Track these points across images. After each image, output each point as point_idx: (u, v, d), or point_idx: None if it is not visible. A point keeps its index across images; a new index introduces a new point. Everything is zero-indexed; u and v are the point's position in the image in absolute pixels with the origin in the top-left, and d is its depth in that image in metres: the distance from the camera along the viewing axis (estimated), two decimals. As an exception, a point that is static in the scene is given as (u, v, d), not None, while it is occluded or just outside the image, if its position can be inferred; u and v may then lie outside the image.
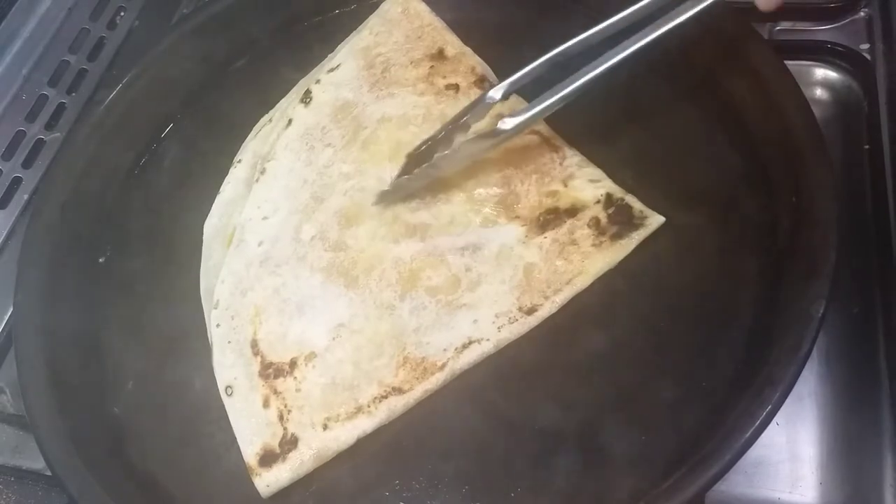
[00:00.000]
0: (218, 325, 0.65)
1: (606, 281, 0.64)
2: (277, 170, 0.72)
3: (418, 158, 0.68)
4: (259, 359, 0.63)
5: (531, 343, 0.63)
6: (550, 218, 0.67)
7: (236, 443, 0.61)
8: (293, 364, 0.63)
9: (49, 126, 0.87)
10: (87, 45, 0.92)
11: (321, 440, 0.60)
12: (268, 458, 0.59)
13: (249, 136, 0.76)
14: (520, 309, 0.63)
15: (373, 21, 0.79)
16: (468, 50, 0.77)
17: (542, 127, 0.71)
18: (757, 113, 0.67)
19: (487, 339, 0.62)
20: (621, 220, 0.66)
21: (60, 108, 0.88)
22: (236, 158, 0.74)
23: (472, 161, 0.68)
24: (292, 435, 0.60)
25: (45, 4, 0.93)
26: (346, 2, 0.85)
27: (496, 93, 0.66)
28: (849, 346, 0.63)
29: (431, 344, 0.62)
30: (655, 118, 0.72)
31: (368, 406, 0.60)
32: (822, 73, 0.78)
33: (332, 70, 0.77)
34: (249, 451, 0.60)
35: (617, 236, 0.65)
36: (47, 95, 0.88)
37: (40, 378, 0.63)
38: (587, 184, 0.68)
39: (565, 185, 0.68)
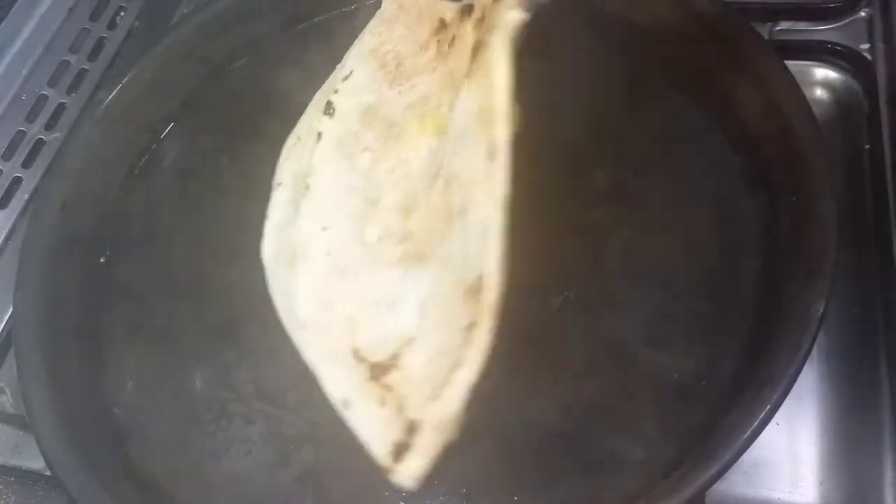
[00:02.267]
0: (312, 344, 0.62)
1: (604, 280, 0.64)
2: (321, 183, 0.70)
3: None
4: (364, 364, 0.60)
5: (529, 343, 0.63)
6: None
7: (236, 443, 0.62)
8: (395, 356, 0.59)
9: (49, 126, 0.87)
10: (88, 45, 0.92)
11: (435, 412, 0.55)
12: (398, 452, 0.56)
13: (282, 157, 0.74)
14: None
15: (372, 23, 0.78)
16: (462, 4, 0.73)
17: None
18: (756, 112, 0.67)
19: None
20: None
21: (60, 108, 0.88)
22: (276, 181, 0.72)
23: None
24: (413, 421, 0.56)
25: (45, 5, 0.93)
26: (346, 2, 0.85)
27: None
28: (849, 346, 0.63)
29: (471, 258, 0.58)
30: (653, 117, 0.72)
31: (461, 357, 0.55)
32: (822, 73, 0.78)
33: (346, 78, 0.75)
34: (382, 454, 0.56)
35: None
36: (47, 95, 0.88)
37: (40, 378, 0.63)
38: None
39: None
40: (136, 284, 0.72)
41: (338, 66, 0.77)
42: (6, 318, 0.74)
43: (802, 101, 0.65)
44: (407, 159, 0.68)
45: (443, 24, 0.73)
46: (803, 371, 0.55)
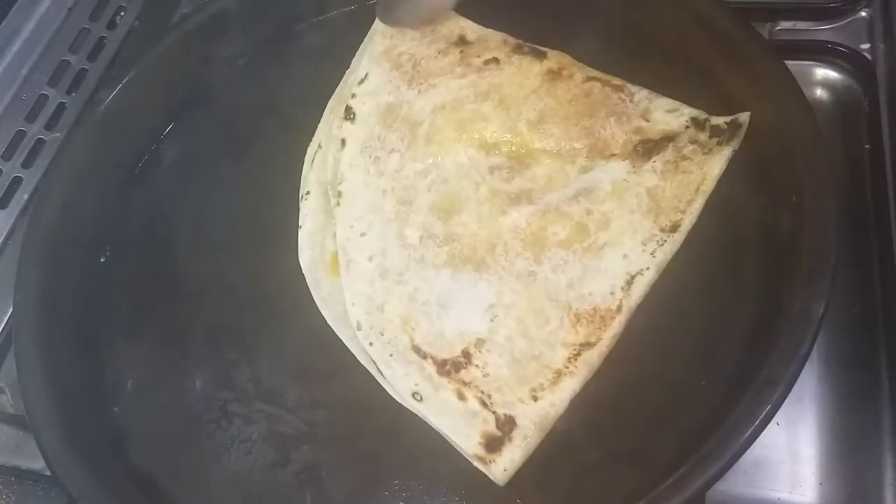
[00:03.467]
0: (371, 344, 0.63)
1: None
2: (353, 189, 0.71)
3: None
4: (429, 360, 0.62)
5: None
6: (649, 146, 0.68)
7: (236, 443, 0.62)
8: (466, 354, 0.62)
9: (49, 126, 0.86)
10: (87, 45, 0.92)
11: (537, 411, 0.59)
12: (493, 444, 0.57)
13: (304, 167, 0.74)
14: (662, 230, 0.64)
15: (381, 26, 0.78)
16: (489, 31, 0.77)
17: (594, 71, 0.73)
18: (757, 113, 0.67)
19: (647, 268, 0.63)
20: (718, 132, 0.67)
21: (60, 107, 0.88)
22: (303, 191, 0.72)
23: None
24: (505, 415, 0.58)
25: (45, 4, 0.93)
26: (346, 2, 0.85)
27: None
28: (849, 346, 0.63)
29: (595, 293, 0.62)
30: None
31: (566, 367, 0.60)
32: (823, 73, 0.78)
33: (361, 81, 0.76)
34: (471, 444, 0.58)
35: (722, 143, 0.67)
36: (47, 95, 0.88)
37: (40, 378, 0.63)
38: (667, 114, 0.70)
39: (647, 120, 0.69)
40: (135, 284, 0.72)
41: (348, 71, 0.77)
42: (6, 318, 0.73)
43: (803, 102, 0.65)
44: (442, 164, 0.70)
45: (464, 40, 0.76)
46: (803, 372, 0.55)
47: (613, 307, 0.62)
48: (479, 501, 0.58)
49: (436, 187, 0.69)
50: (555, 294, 0.63)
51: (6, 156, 0.85)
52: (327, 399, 0.64)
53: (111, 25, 0.94)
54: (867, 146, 0.72)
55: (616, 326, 0.61)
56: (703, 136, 0.68)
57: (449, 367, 0.61)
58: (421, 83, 0.74)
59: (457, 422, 0.59)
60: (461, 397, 0.60)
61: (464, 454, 0.58)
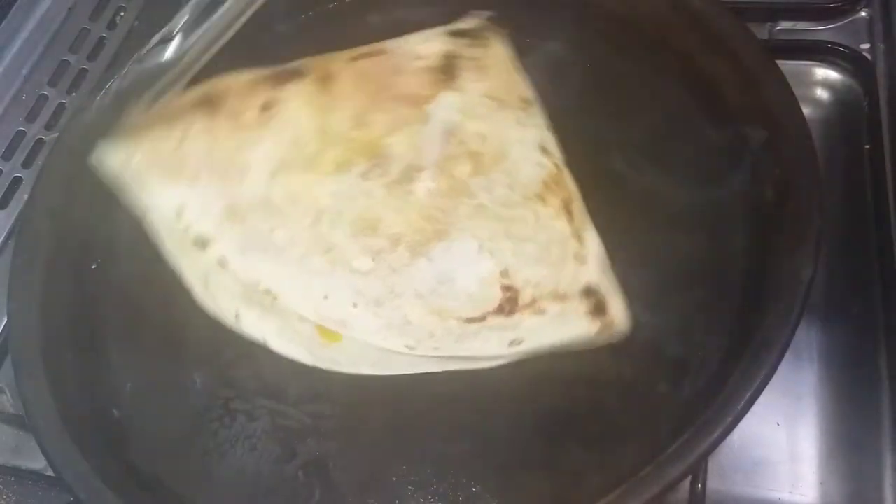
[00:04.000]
0: (411, 348, 0.62)
1: None
2: (277, 282, 0.67)
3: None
4: (490, 318, 0.62)
5: None
6: (446, 71, 0.73)
7: (240, 439, 0.62)
8: (507, 290, 0.62)
9: (49, 126, 0.87)
10: (88, 45, 0.92)
11: (592, 263, 0.63)
12: (599, 309, 0.61)
13: (209, 309, 0.69)
14: (522, 109, 0.72)
15: (107, 158, 0.72)
16: (226, 77, 0.74)
17: (347, 53, 0.75)
18: (735, 89, 0.68)
19: (542, 129, 0.71)
20: (472, 32, 0.75)
21: (60, 107, 0.88)
22: (232, 317, 0.67)
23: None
24: (582, 288, 0.62)
25: (45, 4, 0.93)
26: (326, 0, 0.85)
27: None
28: (849, 346, 0.63)
29: (531, 176, 0.67)
30: (636, 101, 0.73)
31: (574, 224, 0.65)
32: (823, 73, 0.78)
33: (179, 215, 0.69)
34: (590, 326, 0.61)
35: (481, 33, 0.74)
36: (47, 95, 0.88)
37: (39, 384, 0.63)
38: (429, 43, 0.74)
39: (421, 57, 0.73)
40: (130, 288, 0.71)
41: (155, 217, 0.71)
42: (5, 318, 0.73)
43: (779, 75, 0.65)
44: (324, 206, 0.67)
45: (209, 101, 0.72)
46: (803, 371, 0.55)
47: (553, 170, 0.66)
48: (487, 481, 0.58)
49: (339, 223, 0.66)
50: (509, 202, 0.65)
51: (6, 156, 0.85)
52: (329, 391, 0.63)
53: (111, 25, 0.94)
54: (867, 146, 0.72)
55: (569, 179, 0.66)
56: (466, 39, 0.74)
57: (504, 310, 0.61)
58: (226, 169, 0.68)
59: (561, 328, 0.60)
60: (540, 312, 0.61)
61: (592, 342, 0.59)
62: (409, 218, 0.66)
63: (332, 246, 0.65)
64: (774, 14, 0.80)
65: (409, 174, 0.68)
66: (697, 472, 0.57)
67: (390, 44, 0.75)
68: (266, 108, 0.70)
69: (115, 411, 0.66)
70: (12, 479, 0.67)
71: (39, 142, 0.86)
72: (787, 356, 0.62)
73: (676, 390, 0.58)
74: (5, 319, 0.72)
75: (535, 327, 0.61)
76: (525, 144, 0.69)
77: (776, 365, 0.53)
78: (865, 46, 0.77)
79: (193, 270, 0.67)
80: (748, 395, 0.52)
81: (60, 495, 0.65)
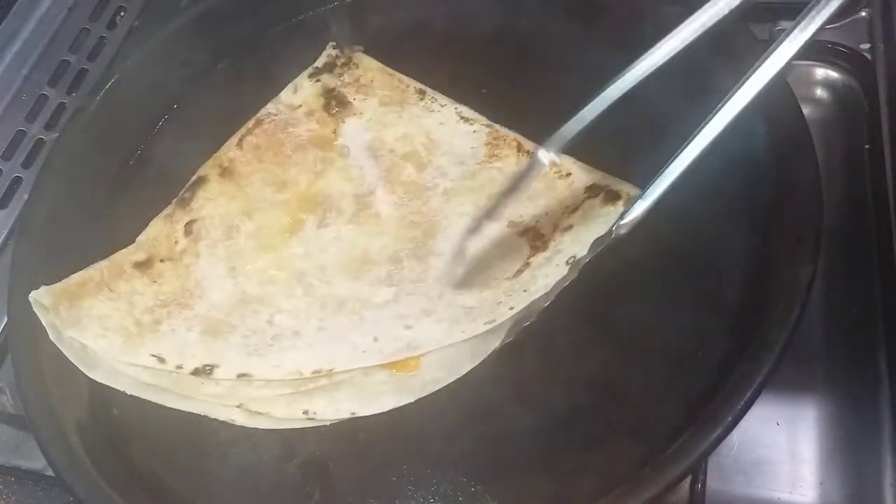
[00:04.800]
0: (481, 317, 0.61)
1: (598, 259, 0.64)
2: (287, 328, 0.68)
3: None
4: (505, 284, 0.63)
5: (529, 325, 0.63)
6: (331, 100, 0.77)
7: (241, 438, 0.62)
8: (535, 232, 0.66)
9: (49, 126, 0.87)
10: (88, 45, 0.92)
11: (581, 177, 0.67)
12: (609, 200, 0.65)
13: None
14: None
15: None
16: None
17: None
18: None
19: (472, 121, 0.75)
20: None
21: (60, 107, 0.88)
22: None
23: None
24: (590, 188, 0.66)
25: (45, 4, 0.93)
26: (325, 1, 0.85)
27: (547, 155, 0.60)
28: (850, 347, 0.63)
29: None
30: (635, 99, 0.72)
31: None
32: (823, 73, 0.78)
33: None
34: (608, 220, 0.62)
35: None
36: (47, 95, 0.88)
37: (39, 384, 0.63)
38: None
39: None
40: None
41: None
42: (5, 320, 0.73)
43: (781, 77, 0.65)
44: (291, 263, 0.68)
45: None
46: (803, 372, 0.55)
47: (487, 129, 0.72)
48: (487, 481, 0.58)
49: (331, 276, 0.67)
50: (469, 174, 0.70)
51: (6, 156, 0.85)
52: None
53: (111, 25, 0.94)
54: (867, 146, 0.72)
55: (505, 130, 0.71)
56: (334, 71, 0.78)
57: (538, 243, 0.64)
58: (180, 298, 0.67)
59: (593, 225, 0.62)
60: (567, 228, 0.64)
61: (627, 223, 0.57)
62: (392, 235, 0.68)
63: (342, 299, 0.65)
64: (774, 14, 0.80)
65: (363, 201, 0.70)
66: (697, 471, 0.57)
67: (264, 112, 0.76)
68: (189, 230, 0.70)
69: (114, 410, 0.65)
70: (12, 479, 0.67)
71: (39, 142, 0.85)
72: (788, 357, 0.62)
73: (676, 390, 0.58)
74: (5, 319, 0.72)
75: (573, 239, 0.62)
76: (446, 124, 0.73)
77: (776, 365, 0.53)
78: (865, 46, 0.77)
79: (218, 401, 0.63)
80: (748, 396, 0.52)
81: (60, 495, 0.65)
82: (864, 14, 0.79)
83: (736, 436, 0.60)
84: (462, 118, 0.74)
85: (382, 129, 0.74)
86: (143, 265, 0.68)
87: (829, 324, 0.64)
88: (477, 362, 0.61)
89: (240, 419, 0.62)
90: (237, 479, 0.61)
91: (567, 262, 0.61)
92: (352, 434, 0.61)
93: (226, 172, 0.72)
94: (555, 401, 0.60)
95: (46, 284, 0.66)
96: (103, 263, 0.68)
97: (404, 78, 0.77)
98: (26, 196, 0.81)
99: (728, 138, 0.67)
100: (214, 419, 0.63)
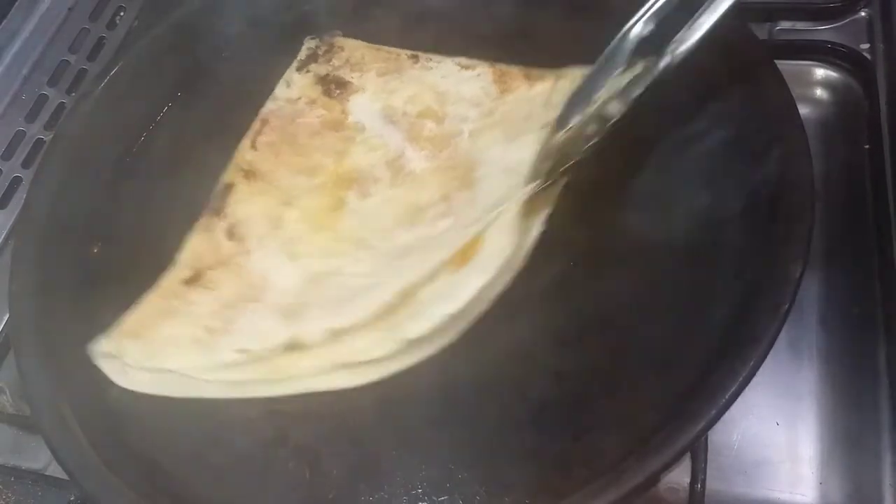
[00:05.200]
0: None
1: (590, 255, 0.65)
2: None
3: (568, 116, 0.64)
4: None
5: (515, 310, 0.63)
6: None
7: (237, 425, 0.62)
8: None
9: (49, 126, 0.87)
10: (87, 44, 0.92)
11: None
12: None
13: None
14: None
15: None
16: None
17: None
18: (733, 87, 0.68)
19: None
20: None
21: (60, 107, 0.88)
22: None
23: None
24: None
25: (45, 4, 0.93)
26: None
27: (642, 27, 0.62)
28: (849, 346, 0.63)
29: None
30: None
31: None
32: (823, 73, 0.78)
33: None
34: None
35: None
36: (47, 95, 0.88)
37: (39, 365, 0.63)
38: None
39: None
40: (129, 274, 0.71)
41: None
42: (6, 318, 0.73)
43: (776, 72, 0.65)
44: (347, 234, 0.69)
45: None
46: (803, 371, 0.55)
47: (492, 69, 0.74)
48: (474, 468, 0.58)
49: (390, 232, 0.68)
50: (490, 111, 0.72)
51: (6, 155, 0.85)
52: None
53: (111, 25, 0.94)
54: (867, 146, 0.72)
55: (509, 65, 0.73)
56: (322, 59, 0.79)
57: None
58: (245, 296, 0.67)
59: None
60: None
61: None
62: (435, 183, 0.69)
63: (407, 246, 0.67)
64: (774, 14, 0.80)
65: (396, 165, 0.71)
66: (676, 463, 0.56)
67: (265, 111, 0.77)
68: (232, 233, 0.70)
69: (114, 393, 0.65)
70: (12, 478, 0.67)
71: (39, 142, 0.86)
72: (787, 356, 0.63)
73: (664, 383, 0.59)
74: (6, 318, 0.72)
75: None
76: (449, 76, 0.75)
77: (761, 361, 0.53)
78: (865, 46, 0.77)
79: (317, 371, 0.62)
80: (732, 391, 0.52)
81: (60, 495, 0.65)
82: (863, 14, 0.79)
83: (736, 436, 0.61)
84: (462, 67, 0.76)
85: (389, 96, 0.76)
86: (191, 280, 0.67)
87: (828, 323, 0.64)
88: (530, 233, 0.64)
89: (343, 381, 0.61)
90: (230, 462, 0.61)
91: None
92: (343, 421, 0.62)
93: (249, 175, 0.73)
94: (542, 391, 0.60)
95: (47, 271, 0.67)
96: (151, 294, 0.67)
97: (392, 48, 0.79)
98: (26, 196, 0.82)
99: (722, 140, 0.68)
100: (211, 405, 0.63)
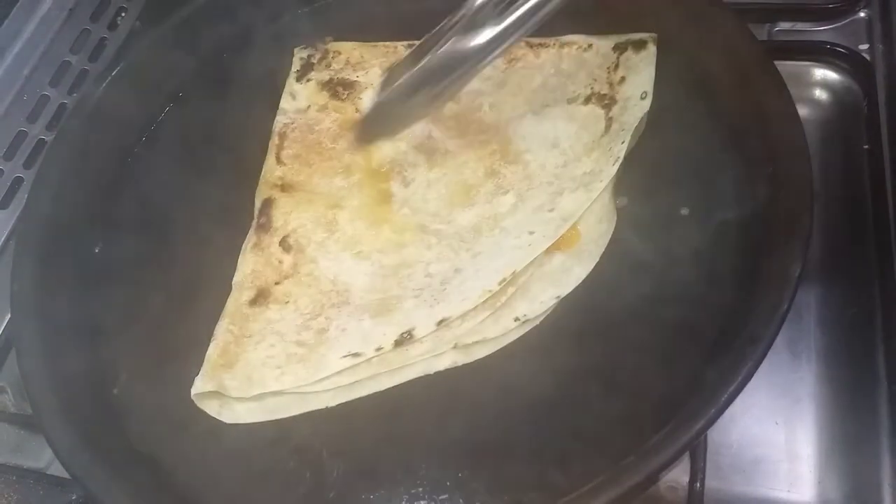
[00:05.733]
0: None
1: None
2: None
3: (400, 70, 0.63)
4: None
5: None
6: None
7: (238, 425, 0.62)
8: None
9: (50, 126, 0.87)
10: (89, 45, 0.93)
11: None
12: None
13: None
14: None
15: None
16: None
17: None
18: (731, 87, 0.68)
19: None
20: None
21: (62, 108, 0.88)
22: None
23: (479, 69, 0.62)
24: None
25: (46, 5, 0.93)
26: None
27: None
28: (848, 347, 0.63)
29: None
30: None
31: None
32: (822, 73, 0.78)
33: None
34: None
35: None
36: (49, 96, 0.89)
37: (40, 363, 0.63)
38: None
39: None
40: (130, 273, 0.72)
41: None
42: (7, 318, 0.74)
43: (774, 73, 0.65)
44: (397, 224, 0.69)
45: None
46: (801, 371, 0.55)
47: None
48: (475, 467, 0.59)
49: (442, 216, 0.69)
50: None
51: (7, 156, 0.85)
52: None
53: (112, 26, 0.95)
54: (866, 147, 0.72)
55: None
56: (321, 66, 0.80)
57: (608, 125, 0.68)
58: (322, 304, 0.66)
59: (639, 72, 0.69)
60: (623, 81, 0.69)
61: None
62: (474, 158, 0.70)
63: (474, 225, 0.67)
64: (774, 14, 0.81)
65: (428, 148, 0.71)
66: (675, 462, 0.56)
67: (279, 125, 0.76)
68: (288, 245, 0.69)
69: (114, 391, 0.66)
70: (13, 478, 0.67)
71: (41, 142, 0.86)
72: (786, 356, 0.63)
73: (663, 382, 0.59)
74: (7, 318, 0.72)
75: (633, 83, 0.69)
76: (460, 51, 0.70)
77: (760, 361, 0.53)
78: (864, 47, 0.77)
79: (431, 355, 0.62)
80: (730, 390, 0.53)
81: (62, 494, 0.65)
82: (863, 14, 0.79)
83: (735, 435, 0.61)
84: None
85: None
86: (258, 300, 0.66)
87: (827, 323, 0.64)
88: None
89: (461, 359, 0.62)
90: (231, 460, 0.61)
91: (641, 97, 0.68)
92: (344, 420, 0.62)
93: (286, 188, 0.72)
94: (542, 389, 0.60)
95: (48, 270, 0.67)
96: (222, 324, 0.65)
97: (388, 43, 0.79)
98: (27, 196, 0.82)
99: (720, 140, 0.68)
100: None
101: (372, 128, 0.70)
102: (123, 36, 0.94)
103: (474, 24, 0.59)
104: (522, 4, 0.58)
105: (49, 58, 0.91)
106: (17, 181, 0.84)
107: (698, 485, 0.57)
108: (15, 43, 0.90)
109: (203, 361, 0.64)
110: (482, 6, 0.59)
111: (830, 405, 0.61)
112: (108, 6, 0.95)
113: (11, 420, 0.70)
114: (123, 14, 0.95)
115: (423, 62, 0.61)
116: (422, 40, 0.62)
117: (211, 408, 0.62)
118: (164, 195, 0.76)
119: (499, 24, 0.59)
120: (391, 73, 0.65)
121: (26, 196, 0.79)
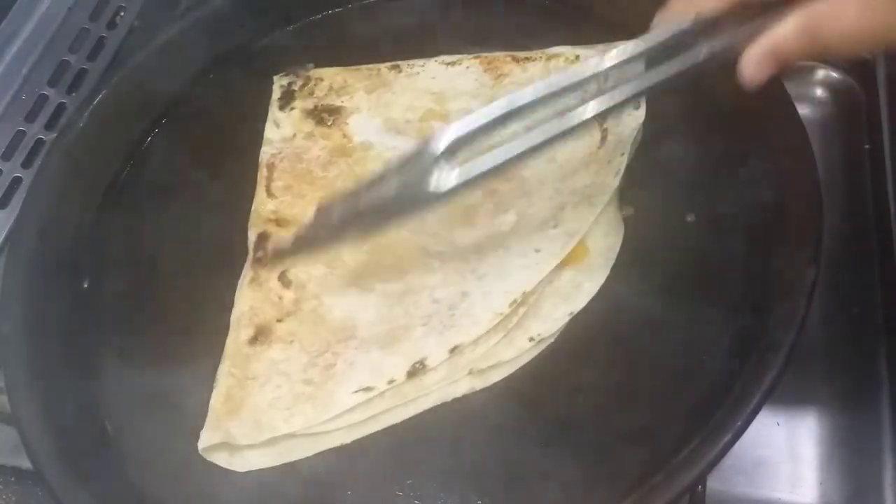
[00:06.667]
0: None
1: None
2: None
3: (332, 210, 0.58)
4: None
5: None
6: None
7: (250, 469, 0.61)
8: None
9: (49, 126, 0.86)
10: (87, 44, 0.92)
11: None
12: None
13: None
14: None
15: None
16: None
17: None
18: (733, 92, 0.67)
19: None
20: None
21: (60, 108, 0.88)
22: None
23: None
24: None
25: (45, 4, 0.92)
26: (331, 4, 0.84)
27: (438, 143, 0.52)
28: (849, 346, 0.64)
29: None
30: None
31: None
32: (822, 73, 0.78)
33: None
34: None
35: None
36: (47, 95, 0.88)
37: (32, 402, 0.62)
38: None
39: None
40: (121, 307, 0.70)
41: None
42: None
43: (776, 78, 0.65)
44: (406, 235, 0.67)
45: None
46: (803, 372, 0.55)
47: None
48: (494, 494, 0.57)
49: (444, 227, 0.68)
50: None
51: (6, 156, 0.84)
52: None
53: (111, 25, 0.94)
54: (867, 146, 0.72)
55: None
56: (303, 94, 0.77)
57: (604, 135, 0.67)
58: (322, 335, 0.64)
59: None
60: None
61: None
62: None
63: (476, 245, 0.66)
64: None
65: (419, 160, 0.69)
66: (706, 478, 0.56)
67: (265, 157, 0.74)
68: (287, 281, 0.66)
69: (108, 427, 0.64)
70: (12, 479, 0.67)
71: (39, 142, 0.85)
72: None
73: (683, 396, 0.58)
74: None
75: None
76: (438, 77, 0.75)
77: (785, 367, 0.52)
78: (865, 46, 0.77)
79: (447, 382, 0.61)
80: (757, 399, 0.52)
81: (61, 496, 0.64)
82: (864, 14, 0.79)
83: (736, 436, 0.61)
84: (448, 64, 0.76)
85: (386, 109, 0.75)
86: (258, 337, 0.64)
87: (829, 323, 0.64)
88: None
89: (478, 384, 0.61)
90: (238, 496, 0.59)
91: (635, 107, 0.66)
92: (356, 450, 0.60)
93: (281, 221, 0.70)
94: (560, 410, 0.59)
95: (37, 306, 0.66)
96: (223, 367, 0.63)
97: (371, 66, 0.78)
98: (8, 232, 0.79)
99: (726, 142, 0.67)
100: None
101: (292, 254, 0.64)
102: (122, 35, 0.93)
103: (425, 171, 0.53)
104: (486, 164, 0.53)
105: (47, 57, 0.90)
106: (16, 181, 0.83)
107: (700, 486, 0.57)
108: (13, 42, 0.90)
109: (202, 402, 0.62)
110: (436, 156, 0.52)
111: (832, 406, 0.61)
112: (107, 5, 0.95)
113: (11, 421, 0.70)
114: (122, 13, 0.95)
115: (359, 203, 0.56)
116: (367, 178, 0.58)
117: (221, 459, 0.60)
118: (152, 225, 0.74)
119: (453, 176, 0.53)
120: (324, 210, 0.59)
121: (7, 230, 0.77)
